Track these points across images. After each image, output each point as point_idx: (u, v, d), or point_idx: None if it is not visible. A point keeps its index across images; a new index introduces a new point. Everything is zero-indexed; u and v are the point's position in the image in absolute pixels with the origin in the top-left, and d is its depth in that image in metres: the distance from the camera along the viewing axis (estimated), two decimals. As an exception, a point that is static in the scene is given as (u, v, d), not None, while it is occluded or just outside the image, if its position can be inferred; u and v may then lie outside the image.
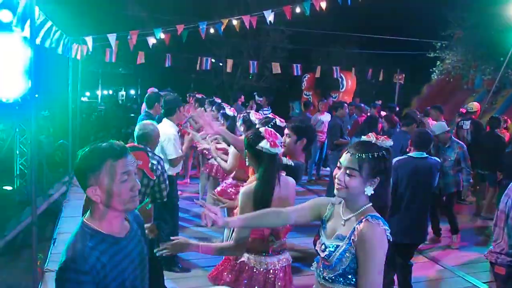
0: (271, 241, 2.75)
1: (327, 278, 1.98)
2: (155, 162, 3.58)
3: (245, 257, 2.69)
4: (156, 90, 6.71)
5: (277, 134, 2.79)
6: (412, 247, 4.25)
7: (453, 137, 5.96)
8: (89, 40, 8.01)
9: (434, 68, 13.70)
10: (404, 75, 13.76)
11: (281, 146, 2.78)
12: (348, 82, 13.16)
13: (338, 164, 1.98)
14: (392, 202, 3.94)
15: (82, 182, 1.65)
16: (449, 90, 13.64)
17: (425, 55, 13.50)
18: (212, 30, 9.29)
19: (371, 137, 2.00)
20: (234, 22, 8.73)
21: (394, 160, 4.13)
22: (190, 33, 9.16)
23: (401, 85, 13.98)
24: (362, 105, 9.62)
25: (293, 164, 3.16)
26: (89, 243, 1.61)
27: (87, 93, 23.24)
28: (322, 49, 15.57)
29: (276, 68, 11.58)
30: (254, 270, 2.67)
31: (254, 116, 4.55)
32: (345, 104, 8.46)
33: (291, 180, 2.84)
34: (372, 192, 1.92)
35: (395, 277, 4.21)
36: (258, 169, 2.72)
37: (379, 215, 1.93)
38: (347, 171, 1.92)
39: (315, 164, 9.49)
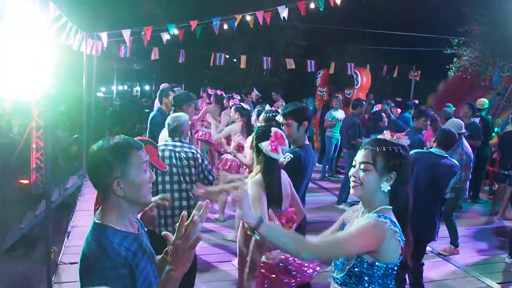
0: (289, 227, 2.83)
1: (337, 280, 1.95)
2: (194, 151, 3.72)
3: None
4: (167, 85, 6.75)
5: (286, 140, 2.82)
6: (421, 244, 4.13)
7: (464, 141, 5.49)
8: (103, 36, 8.09)
9: (450, 65, 13.49)
10: (419, 72, 13.58)
11: (283, 153, 2.86)
12: (363, 79, 12.99)
13: (353, 163, 1.96)
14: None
15: (104, 177, 1.60)
16: (466, 87, 13.41)
17: (442, 52, 13.29)
18: (225, 26, 9.28)
19: (386, 135, 1.99)
20: (248, 18, 8.71)
21: (413, 151, 4.11)
22: (204, 29, 9.18)
23: (417, 81, 13.79)
24: (372, 101, 9.56)
25: (291, 157, 3.18)
26: (114, 239, 1.58)
27: (103, 89, 23.46)
28: (336, 45, 15.44)
29: (290, 64, 11.53)
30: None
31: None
32: (364, 102, 8.33)
33: (283, 174, 2.94)
34: (389, 188, 1.87)
35: (407, 277, 4.16)
36: (260, 165, 2.84)
37: (392, 217, 1.87)
38: (362, 166, 1.90)
39: (328, 161, 9.44)
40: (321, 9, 8.28)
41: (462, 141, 5.47)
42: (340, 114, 8.92)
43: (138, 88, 23.49)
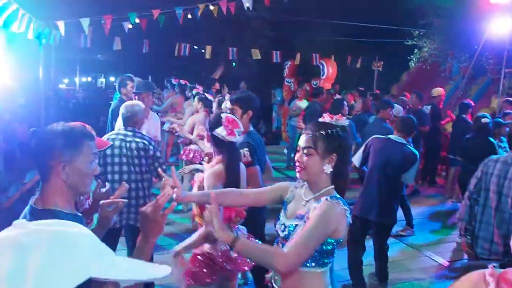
0: (238, 221, 2.84)
1: None
2: (146, 142, 3.66)
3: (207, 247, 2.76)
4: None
5: (239, 122, 2.84)
6: (387, 228, 4.29)
7: None
8: (61, 24, 7.87)
9: (411, 56, 13.85)
10: (382, 63, 13.88)
11: (239, 135, 2.86)
12: (329, 69, 13.21)
13: (298, 147, 2.03)
14: (364, 182, 4.09)
15: (51, 158, 1.60)
16: (427, 78, 13.80)
17: (403, 43, 13.62)
18: (190, 16, 9.23)
19: (325, 118, 2.05)
20: (211, 7, 8.68)
21: (374, 136, 4.28)
22: (168, 18, 9.09)
23: (381, 72, 14.08)
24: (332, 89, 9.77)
25: (247, 150, 3.22)
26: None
27: (65, 80, 22.84)
28: (302, 35, 15.57)
29: (256, 54, 11.57)
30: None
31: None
32: (324, 90, 8.51)
33: (242, 166, 2.99)
34: (331, 169, 1.95)
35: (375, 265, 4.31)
36: (219, 153, 2.80)
37: (340, 196, 1.97)
38: (305, 151, 1.97)
39: (293, 150, 9.57)
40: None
41: None
42: (304, 104, 9.05)
43: (103, 80, 22.97)
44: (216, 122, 2.80)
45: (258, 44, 14.82)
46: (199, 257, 2.78)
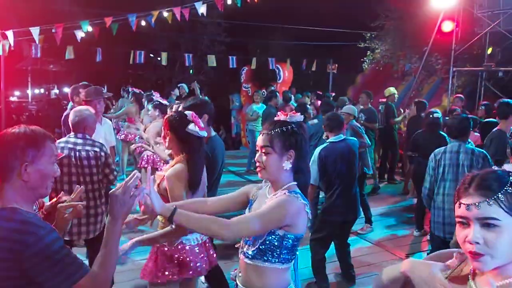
0: None
1: (247, 254, 2.02)
2: (97, 149, 3.55)
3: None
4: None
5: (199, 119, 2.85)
6: (349, 225, 4.46)
7: (353, 121, 6.29)
8: (9, 34, 7.62)
9: (365, 58, 14.29)
10: (337, 65, 14.24)
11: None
12: (285, 73, 13.42)
13: (256, 148, 2.05)
14: (326, 187, 4.15)
15: (13, 158, 1.60)
16: (381, 79, 14.27)
17: (356, 46, 14.04)
18: (143, 23, 9.13)
19: (280, 116, 2.08)
20: (165, 14, 8.64)
21: (319, 149, 4.31)
22: (121, 26, 8.97)
23: (336, 75, 14.44)
24: (299, 95, 9.88)
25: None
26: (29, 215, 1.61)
27: (17, 93, 21.99)
28: (258, 41, 15.76)
29: (212, 61, 11.59)
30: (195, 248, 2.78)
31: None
32: (278, 93, 8.64)
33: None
34: (290, 165, 1.98)
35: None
36: (186, 152, 2.75)
37: (300, 191, 2.00)
38: (263, 150, 1.99)
39: (254, 154, 9.62)
40: (239, 5, 8.42)
41: (353, 120, 6.32)
42: (260, 108, 9.13)
43: (56, 91, 22.24)
44: (183, 120, 2.77)
45: (214, 50, 14.87)
46: (157, 253, 2.77)
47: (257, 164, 2.01)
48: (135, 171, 1.76)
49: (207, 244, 2.95)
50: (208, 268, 2.91)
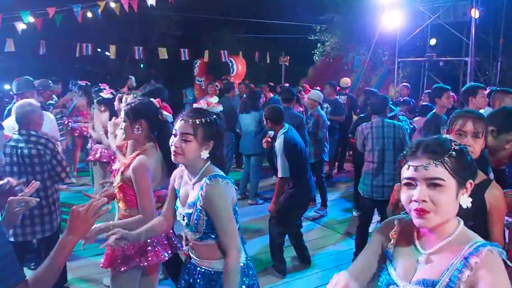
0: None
1: (195, 238, 2.10)
2: (41, 147, 3.39)
3: None
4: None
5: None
6: (304, 208, 4.56)
7: (319, 108, 6.48)
8: None
9: (315, 50, 14.57)
10: (288, 58, 14.43)
11: None
12: (238, 66, 13.47)
13: (174, 132, 2.05)
14: (292, 175, 4.19)
15: None
16: (331, 71, 14.62)
17: (307, 38, 14.29)
18: (90, 14, 8.84)
19: (202, 104, 2.12)
20: (113, 5, 8.41)
21: (280, 141, 4.26)
22: (65, 17, 8.63)
23: (288, 67, 14.64)
24: (252, 85, 9.90)
25: None
26: None
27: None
28: (211, 34, 15.67)
29: (163, 53, 11.41)
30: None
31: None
32: (234, 85, 8.63)
33: None
34: (208, 155, 2.03)
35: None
36: (159, 138, 2.71)
37: (219, 173, 2.06)
38: (183, 137, 1.99)
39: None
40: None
41: (318, 107, 6.47)
42: (214, 100, 9.07)
43: (-3, 88, 21.08)
44: (153, 108, 2.70)
45: (165, 43, 14.63)
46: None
47: (174, 148, 2.01)
48: (104, 199, 1.72)
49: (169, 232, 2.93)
50: (170, 255, 2.89)
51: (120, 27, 14.65)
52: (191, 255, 2.19)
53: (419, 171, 1.29)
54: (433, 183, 1.27)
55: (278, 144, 4.25)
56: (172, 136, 2.04)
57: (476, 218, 1.96)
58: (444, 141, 1.33)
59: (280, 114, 4.42)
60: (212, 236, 2.04)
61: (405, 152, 1.37)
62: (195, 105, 2.14)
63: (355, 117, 8.61)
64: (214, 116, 2.05)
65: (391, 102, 5.90)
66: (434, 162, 1.27)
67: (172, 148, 2.02)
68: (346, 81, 8.85)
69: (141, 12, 9.36)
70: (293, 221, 4.37)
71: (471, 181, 1.34)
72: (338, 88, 8.72)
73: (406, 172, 1.32)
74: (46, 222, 3.49)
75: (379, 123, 4.44)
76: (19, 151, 3.31)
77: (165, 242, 2.85)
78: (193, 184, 2.07)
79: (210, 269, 2.11)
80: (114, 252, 2.71)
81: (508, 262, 1.27)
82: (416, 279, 1.35)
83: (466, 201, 1.32)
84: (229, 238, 1.99)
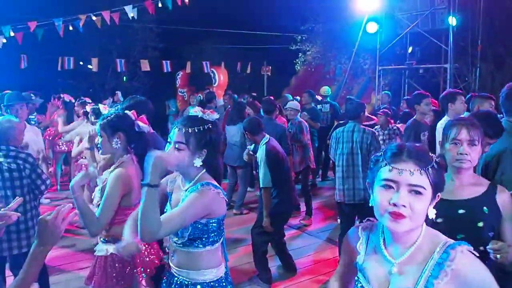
0: None
1: (178, 244, 2.10)
2: (20, 161, 3.38)
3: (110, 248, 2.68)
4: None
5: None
6: (287, 216, 4.59)
7: (298, 116, 6.64)
8: None
9: (297, 60, 14.71)
10: (270, 68, 14.54)
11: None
12: (220, 77, 13.51)
13: (168, 140, 2.08)
14: (274, 183, 4.21)
15: None
16: (314, 80, 14.75)
17: (288, 48, 14.42)
18: (71, 28, 8.82)
19: (197, 111, 2.11)
20: (94, 18, 8.41)
21: (262, 152, 4.29)
22: (47, 31, 8.60)
23: (270, 77, 14.74)
24: (235, 95, 9.93)
25: None
26: None
27: None
28: (192, 46, 15.73)
29: (145, 65, 11.42)
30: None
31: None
32: (215, 95, 8.68)
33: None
34: (201, 163, 2.04)
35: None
36: (136, 150, 2.72)
37: (211, 181, 2.06)
38: (176, 145, 2.01)
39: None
40: (169, 8, 8.39)
41: (297, 116, 6.63)
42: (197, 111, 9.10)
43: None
44: (131, 120, 2.71)
45: (147, 56, 14.64)
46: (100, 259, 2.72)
47: None
48: (69, 204, 1.71)
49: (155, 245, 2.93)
50: (157, 264, 2.88)
51: (102, 40, 14.62)
52: (171, 264, 2.18)
53: (404, 176, 1.28)
54: (415, 190, 1.28)
55: (260, 154, 4.29)
56: (167, 143, 2.07)
57: (497, 226, 1.98)
58: (426, 150, 1.36)
59: (258, 125, 4.45)
60: (195, 244, 2.05)
61: (384, 152, 1.36)
62: (191, 111, 2.12)
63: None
64: (209, 125, 2.04)
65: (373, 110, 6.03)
66: (420, 169, 1.28)
67: None
68: (325, 89, 8.99)
69: (122, 25, 9.36)
70: (276, 230, 4.39)
71: (439, 194, 1.36)
72: (321, 97, 8.82)
73: (388, 173, 1.31)
74: (23, 238, 3.45)
75: (350, 128, 4.59)
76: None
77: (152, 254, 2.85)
78: (186, 191, 2.08)
79: (188, 280, 2.10)
80: (103, 273, 2.69)
81: (475, 253, 1.31)
82: None
83: (432, 212, 1.34)
84: (166, 223, 1.87)
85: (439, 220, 1.47)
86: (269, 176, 4.20)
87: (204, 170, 2.09)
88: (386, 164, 1.32)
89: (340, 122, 6.42)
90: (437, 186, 1.33)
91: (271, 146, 4.32)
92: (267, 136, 4.45)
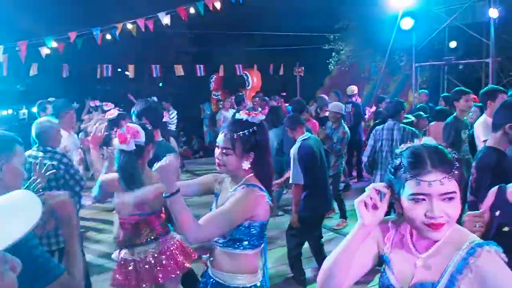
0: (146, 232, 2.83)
1: (219, 244, 2.12)
2: (55, 162, 3.49)
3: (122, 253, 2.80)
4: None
5: (139, 132, 2.72)
6: (321, 218, 4.53)
7: (342, 122, 6.28)
8: (-28, 55, 7.48)
9: (330, 59, 14.55)
10: (303, 68, 14.44)
11: (133, 143, 2.69)
12: (253, 79, 13.57)
13: (217, 144, 2.11)
14: (305, 184, 4.19)
15: None
16: (348, 79, 14.55)
17: (321, 48, 14.29)
18: (108, 36, 9.11)
19: (242, 115, 2.12)
20: (129, 26, 8.65)
21: (295, 148, 4.31)
22: (86, 40, 8.91)
23: (303, 78, 14.64)
24: (266, 98, 9.95)
25: None
26: None
27: (-16, 116, 21.46)
28: (225, 49, 15.89)
29: (179, 70, 11.62)
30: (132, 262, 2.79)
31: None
32: (245, 97, 8.73)
33: None
34: (249, 165, 2.06)
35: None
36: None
37: (258, 184, 2.07)
38: (223, 150, 2.05)
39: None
40: (201, 14, 8.51)
41: (342, 122, 6.25)
42: (230, 114, 9.22)
43: (25, 111, 21.71)
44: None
45: (181, 61, 14.91)
46: (122, 265, 2.80)
47: (217, 160, 2.09)
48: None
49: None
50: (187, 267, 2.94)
51: (137, 47, 15.01)
52: (208, 264, 2.20)
53: (434, 187, 1.24)
54: (448, 197, 1.25)
55: (293, 150, 4.28)
56: (216, 147, 2.11)
57: None
58: (446, 151, 1.31)
59: (297, 121, 4.46)
60: (235, 245, 2.06)
61: (401, 161, 1.31)
62: (237, 115, 2.13)
63: (363, 125, 8.63)
64: (254, 127, 2.05)
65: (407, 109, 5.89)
66: (447, 176, 1.24)
67: (216, 160, 2.09)
68: (352, 89, 8.88)
69: (156, 31, 9.57)
70: (310, 232, 4.35)
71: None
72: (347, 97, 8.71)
73: (416, 188, 1.25)
74: (52, 236, 3.56)
75: (390, 126, 4.75)
76: (37, 166, 3.44)
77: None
78: (232, 192, 2.10)
79: (222, 282, 2.12)
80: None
81: (504, 257, 1.26)
82: (414, 282, 1.35)
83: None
84: (208, 226, 1.89)
85: (505, 229, 1.43)
86: (300, 173, 4.16)
87: (252, 173, 2.10)
88: (411, 177, 1.27)
89: (376, 122, 6.28)
90: (462, 181, 1.29)
91: (307, 144, 4.27)
92: (308, 134, 4.41)
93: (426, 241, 1.36)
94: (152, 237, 2.79)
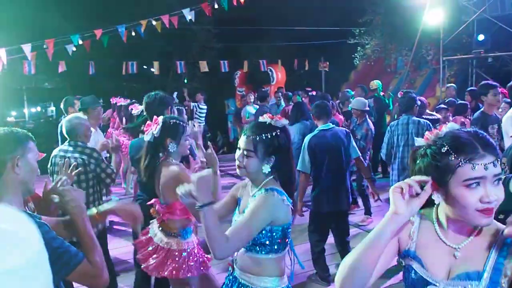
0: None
1: (243, 248, 2.10)
2: (85, 156, 3.58)
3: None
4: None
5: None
6: (339, 215, 4.37)
7: (367, 118, 6.13)
8: (2, 52, 7.69)
9: (355, 54, 14.36)
10: (328, 63, 14.30)
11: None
12: (278, 75, 13.52)
13: (238, 146, 2.11)
14: (314, 176, 4.17)
15: (4, 153, 1.70)
16: (373, 74, 14.35)
17: (346, 42, 14.12)
18: (133, 33, 9.22)
19: (265, 118, 2.11)
20: (154, 22, 8.73)
21: (308, 137, 4.29)
22: (111, 37, 9.05)
23: (328, 73, 14.50)
24: (290, 93, 9.89)
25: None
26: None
27: (13, 113, 22.04)
28: (249, 45, 15.88)
29: (204, 66, 11.67)
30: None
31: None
32: (268, 93, 8.69)
33: None
34: (269, 170, 2.05)
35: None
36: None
37: (277, 187, 2.05)
38: (245, 152, 2.04)
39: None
40: (226, 9, 8.52)
41: (366, 118, 6.10)
42: (253, 109, 9.20)
43: (53, 108, 22.24)
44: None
45: (206, 56, 14.98)
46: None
47: (237, 162, 2.08)
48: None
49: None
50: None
51: (162, 43, 15.15)
52: (235, 265, 2.19)
53: (489, 170, 1.21)
54: (497, 179, 1.24)
55: (307, 137, 4.29)
56: (238, 149, 2.10)
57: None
58: (485, 134, 1.30)
59: (323, 110, 4.37)
60: (258, 249, 2.05)
61: (448, 150, 1.26)
62: (260, 118, 2.13)
63: (388, 118, 8.48)
64: (277, 131, 2.04)
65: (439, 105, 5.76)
66: (496, 157, 1.24)
67: (236, 162, 2.09)
68: (374, 83, 8.71)
69: (181, 27, 9.65)
70: (326, 228, 4.30)
71: None
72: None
73: (472, 172, 1.21)
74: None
75: (405, 120, 4.74)
76: (67, 160, 3.52)
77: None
78: (252, 196, 2.10)
79: (249, 284, 2.10)
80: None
81: None
82: (456, 274, 1.31)
83: None
84: (233, 241, 1.86)
85: (501, 216, 1.39)
86: (307, 161, 4.15)
87: (272, 177, 2.09)
88: (465, 162, 1.22)
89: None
90: None
91: (321, 135, 4.21)
92: (330, 124, 4.33)
93: (458, 231, 1.33)
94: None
